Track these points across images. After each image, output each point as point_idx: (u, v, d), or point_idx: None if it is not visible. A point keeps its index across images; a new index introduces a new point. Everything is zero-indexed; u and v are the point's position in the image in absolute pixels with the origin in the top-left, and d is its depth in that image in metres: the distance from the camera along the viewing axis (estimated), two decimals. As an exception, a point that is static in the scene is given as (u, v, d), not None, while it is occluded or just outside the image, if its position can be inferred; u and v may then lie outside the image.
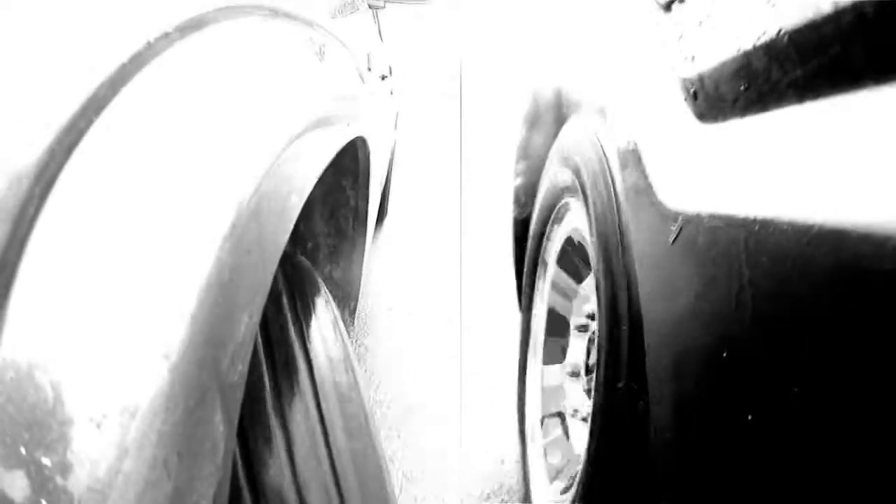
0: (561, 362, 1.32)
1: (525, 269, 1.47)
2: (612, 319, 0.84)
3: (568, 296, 1.30)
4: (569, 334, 1.31)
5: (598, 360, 0.89)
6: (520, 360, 1.45)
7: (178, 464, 0.34)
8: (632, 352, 0.80)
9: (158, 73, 0.41)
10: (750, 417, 0.49)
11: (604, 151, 0.92)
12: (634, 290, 0.81)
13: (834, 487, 0.40)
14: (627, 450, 0.82)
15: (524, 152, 1.65)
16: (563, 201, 1.19)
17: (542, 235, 1.32)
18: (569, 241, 1.23)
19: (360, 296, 1.35)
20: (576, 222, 1.14)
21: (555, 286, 1.33)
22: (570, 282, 1.28)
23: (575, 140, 1.08)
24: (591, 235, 0.94)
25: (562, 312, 1.32)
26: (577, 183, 1.03)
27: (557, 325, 1.33)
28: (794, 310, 0.43)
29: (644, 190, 0.71)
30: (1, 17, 0.36)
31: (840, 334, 0.39)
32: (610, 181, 0.88)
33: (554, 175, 1.22)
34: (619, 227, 0.86)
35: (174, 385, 0.34)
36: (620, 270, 0.84)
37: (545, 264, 1.35)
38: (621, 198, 0.86)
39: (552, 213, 1.25)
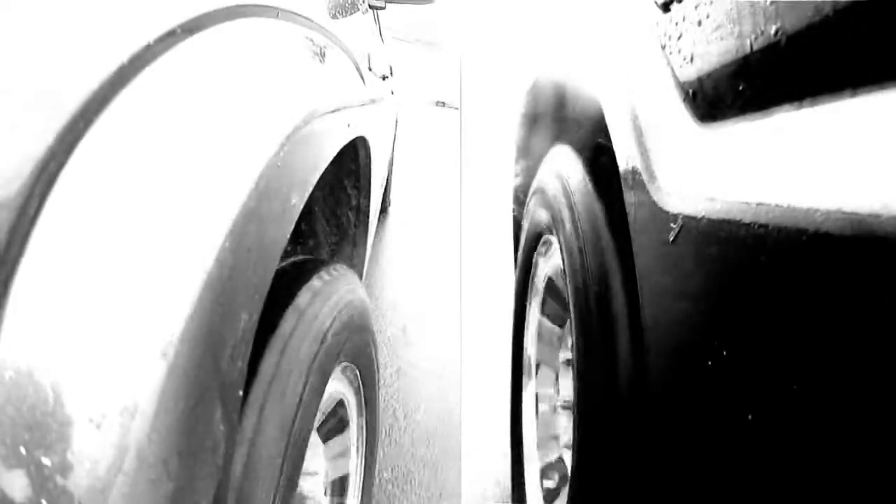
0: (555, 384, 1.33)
1: (514, 297, 1.49)
2: (587, 352, 0.88)
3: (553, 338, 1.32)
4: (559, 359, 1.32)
5: (574, 393, 0.92)
6: (513, 380, 1.45)
7: (179, 463, 0.34)
8: (607, 384, 0.84)
9: (158, 73, 0.41)
10: (751, 418, 0.49)
11: (573, 199, 1.01)
12: (607, 322, 0.86)
13: (837, 489, 0.40)
14: (613, 468, 0.83)
15: (524, 152, 1.65)
16: (544, 238, 1.25)
17: (528, 267, 1.36)
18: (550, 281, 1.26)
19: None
20: (556, 259, 1.19)
21: (541, 326, 1.35)
22: (555, 327, 1.31)
23: (550, 186, 1.15)
24: (566, 276, 1.00)
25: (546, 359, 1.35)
26: (553, 225, 1.11)
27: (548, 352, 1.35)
28: (794, 309, 0.43)
29: (644, 190, 0.71)
30: (1, 17, 0.36)
31: (840, 333, 0.39)
32: (579, 226, 0.96)
33: (534, 213, 1.28)
34: (591, 267, 0.91)
35: (174, 384, 0.34)
36: (594, 308, 0.88)
37: (535, 292, 1.37)
38: (589, 241, 0.93)
39: (536, 246, 1.30)
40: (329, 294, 0.75)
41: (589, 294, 0.90)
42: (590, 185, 1.01)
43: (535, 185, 1.31)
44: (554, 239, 1.14)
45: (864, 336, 0.37)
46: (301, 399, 0.62)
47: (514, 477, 1.35)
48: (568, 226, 1.00)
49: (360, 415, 0.99)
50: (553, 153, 1.24)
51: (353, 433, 0.98)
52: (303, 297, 0.70)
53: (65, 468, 0.29)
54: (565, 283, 1.00)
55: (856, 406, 0.38)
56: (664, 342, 0.68)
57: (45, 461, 0.29)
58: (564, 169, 1.11)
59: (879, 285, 0.35)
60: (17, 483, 0.28)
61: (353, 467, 0.98)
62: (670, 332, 0.67)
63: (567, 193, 1.04)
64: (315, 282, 0.74)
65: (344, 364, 0.84)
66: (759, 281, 0.48)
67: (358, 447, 1.00)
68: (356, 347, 0.86)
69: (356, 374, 0.93)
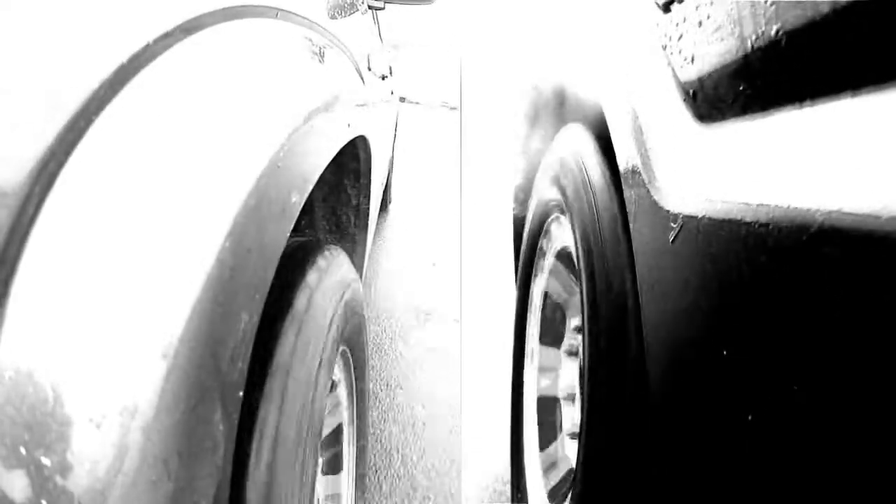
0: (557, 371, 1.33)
1: (517, 283, 1.48)
2: (596, 326, 0.88)
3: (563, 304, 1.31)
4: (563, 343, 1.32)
5: (584, 369, 0.91)
6: (514, 366, 1.45)
7: (179, 463, 0.34)
8: (616, 362, 0.83)
9: (158, 73, 0.41)
10: (751, 417, 0.49)
11: (587, 174, 1.00)
12: (619, 300, 0.85)
13: (836, 487, 0.40)
14: (619, 459, 0.83)
15: (524, 151, 1.66)
16: (552, 216, 1.24)
17: (534, 248, 1.35)
18: (560, 253, 1.26)
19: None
20: (565, 236, 1.18)
21: (548, 290, 1.34)
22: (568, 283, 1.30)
23: (561, 161, 1.14)
24: (577, 249, 1.00)
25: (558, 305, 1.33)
26: (563, 202, 1.11)
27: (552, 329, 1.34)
28: (793, 308, 0.44)
29: (644, 189, 0.72)
30: (1, 17, 0.36)
31: (840, 333, 0.39)
32: (593, 201, 0.96)
33: (543, 192, 1.27)
34: (602, 242, 0.91)
35: (174, 384, 0.34)
36: (604, 281, 0.88)
37: (540, 271, 1.36)
38: (603, 215, 0.92)
39: (543, 227, 1.29)
40: (333, 275, 0.76)
41: (601, 273, 0.89)
42: (603, 163, 1.00)
43: (544, 163, 1.29)
44: (564, 218, 1.13)
45: (865, 336, 0.37)
46: (317, 379, 0.64)
47: (514, 474, 1.35)
48: (582, 204, 0.99)
49: (350, 402, 0.99)
50: (564, 132, 1.23)
51: (345, 419, 0.97)
52: (311, 276, 0.71)
53: (65, 468, 0.29)
54: (577, 263, 0.99)
55: (859, 406, 0.38)
56: (663, 342, 0.68)
57: (45, 461, 0.29)
58: (577, 147, 1.09)
59: (880, 286, 0.35)
60: (17, 483, 0.28)
61: (345, 457, 0.98)
62: (669, 332, 0.67)
63: (582, 170, 1.03)
64: (321, 262, 0.75)
65: (342, 348, 0.85)
66: (759, 281, 0.48)
67: (349, 437, 1.00)
68: (352, 330, 0.87)
69: (349, 359, 0.93)
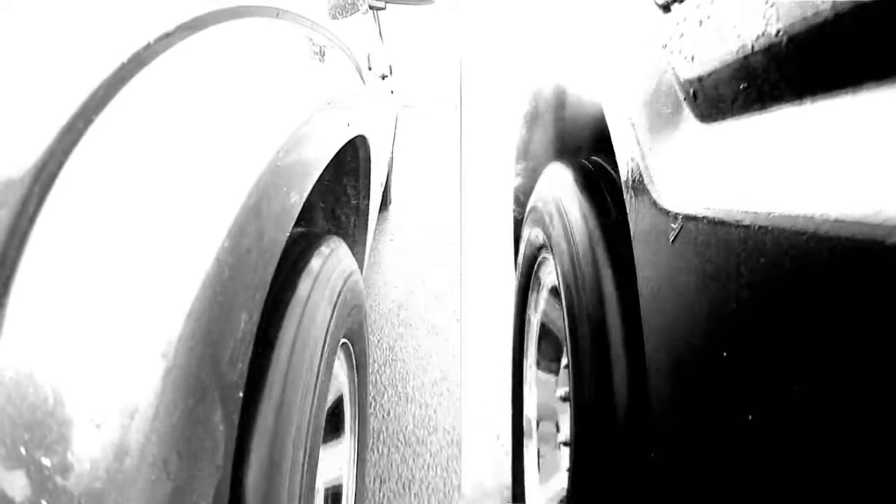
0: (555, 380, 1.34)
1: (515, 298, 1.50)
2: (580, 363, 0.92)
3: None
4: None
5: (571, 406, 0.93)
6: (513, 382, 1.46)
7: (178, 463, 0.34)
8: (600, 396, 0.85)
9: (158, 73, 0.41)
10: (751, 418, 0.49)
11: (568, 217, 1.05)
12: (601, 337, 0.89)
13: (836, 488, 0.40)
14: (610, 469, 0.84)
15: (524, 153, 1.65)
16: (541, 256, 1.29)
17: (528, 283, 1.39)
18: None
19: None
20: (553, 274, 1.22)
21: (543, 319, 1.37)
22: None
23: (545, 204, 1.21)
24: (560, 287, 1.04)
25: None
26: (548, 243, 1.17)
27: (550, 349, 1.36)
28: (793, 309, 0.43)
29: (644, 189, 0.71)
30: (1, 17, 0.36)
31: (839, 333, 0.39)
32: (573, 243, 1.01)
33: (531, 233, 1.34)
34: (583, 281, 0.95)
35: (173, 385, 0.34)
36: (585, 318, 0.92)
37: (536, 295, 1.39)
38: (582, 255, 0.98)
39: (534, 264, 1.35)
40: (333, 265, 0.76)
41: (583, 317, 0.93)
42: (585, 205, 1.04)
43: (531, 203, 1.34)
44: (550, 256, 1.17)
45: (870, 339, 0.37)
46: (320, 365, 0.63)
47: (515, 474, 1.35)
48: (563, 246, 1.04)
49: (351, 397, 0.98)
50: (548, 171, 1.27)
51: (347, 419, 0.97)
52: (313, 266, 0.71)
53: (65, 468, 0.29)
54: (562, 300, 1.03)
55: (868, 410, 0.37)
56: (663, 344, 0.68)
57: (46, 461, 0.29)
58: (559, 190, 1.14)
59: (880, 283, 0.35)
60: (18, 483, 0.28)
61: (346, 467, 0.98)
62: (669, 334, 0.67)
63: (561, 214, 1.08)
64: (321, 252, 0.75)
65: (342, 340, 0.84)
66: (759, 283, 0.48)
67: (351, 433, 0.99)
68: (352, 322, 0.87)
69: (350, 353, 0.93)
